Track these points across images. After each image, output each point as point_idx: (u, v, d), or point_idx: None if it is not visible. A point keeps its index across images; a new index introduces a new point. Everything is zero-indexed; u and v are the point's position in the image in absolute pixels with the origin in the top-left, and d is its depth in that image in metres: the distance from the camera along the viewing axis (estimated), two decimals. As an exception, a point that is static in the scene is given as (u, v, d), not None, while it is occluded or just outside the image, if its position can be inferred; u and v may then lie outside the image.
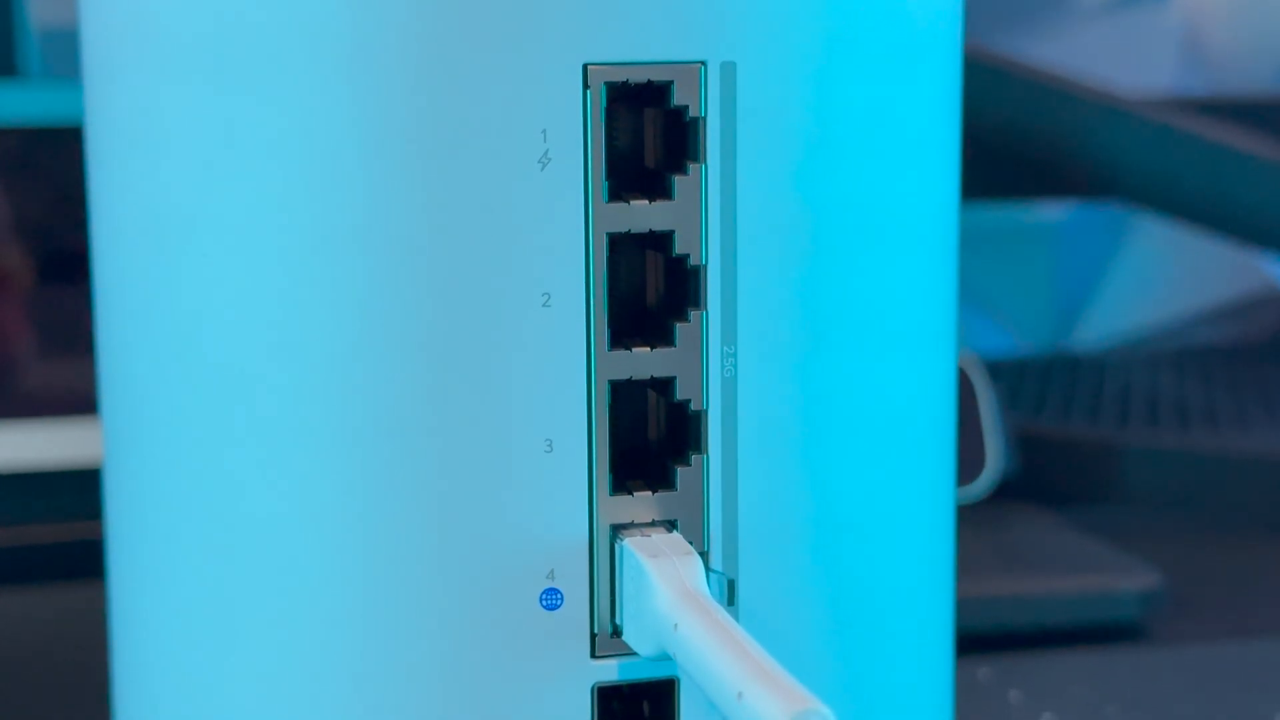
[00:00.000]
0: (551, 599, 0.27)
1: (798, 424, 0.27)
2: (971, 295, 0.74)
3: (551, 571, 0.27)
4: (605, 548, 0.27)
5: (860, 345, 0.28)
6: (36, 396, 0.53)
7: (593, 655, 0.27)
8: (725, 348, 0.27)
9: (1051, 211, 0.77)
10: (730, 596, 0.27)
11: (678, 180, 0.26)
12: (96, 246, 0.30)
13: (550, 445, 0.27)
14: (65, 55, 0.57)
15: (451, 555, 0.26)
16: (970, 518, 0.50)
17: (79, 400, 0.53)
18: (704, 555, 0.27)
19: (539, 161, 0.26)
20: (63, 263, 0.54)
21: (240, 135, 0.27)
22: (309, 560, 0.27)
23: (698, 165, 0.26)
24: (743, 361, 0.27)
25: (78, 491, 0.50)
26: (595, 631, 0.27)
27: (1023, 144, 0.62)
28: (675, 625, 0.25)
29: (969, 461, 0.52)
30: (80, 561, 0.47)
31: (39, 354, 0.54)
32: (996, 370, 0.62)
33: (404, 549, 0.27)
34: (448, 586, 0.27)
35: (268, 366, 0.27)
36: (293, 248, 0.26)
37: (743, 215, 0.27)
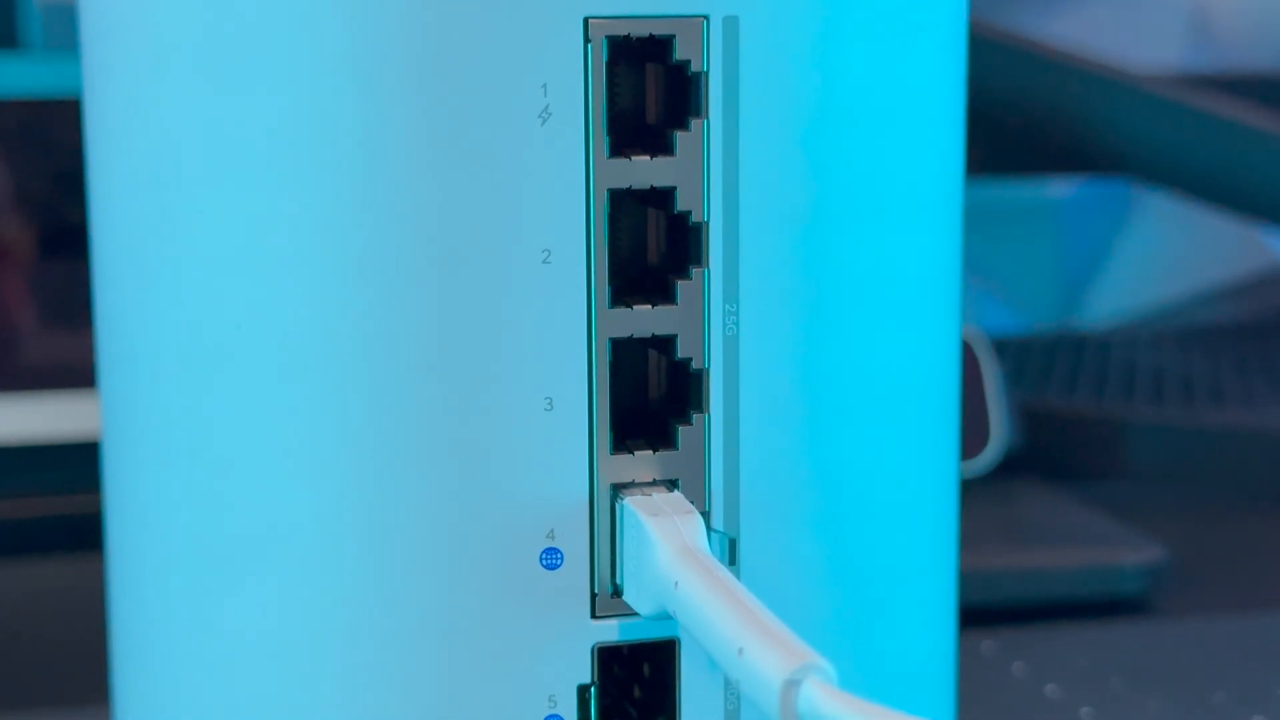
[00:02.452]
0: (551, 559, 0.27)
1: (800, 383, 0.27)
2: (976, 272, 0.74)
3: (551, 531, 0.27)
4: (606, 507, 0.27)
5: (864, 303, 0.28)
6: (37, 369, 0.53)
7: (593, 615, 0.27)
8: (727, 306, 0.27)
9: (1058, 188, 0.77)
10: (731, 556, 0.27)
11: (679, 136, 0.26)
12: (94, 210, 0.30)
13: (550, 404, 0.26)
14: (66, 27, 0.56)
15: (451, 514, 0.26)
16: (974, 492, 0.50)
17: (80, 373, 0.53)
18: (705, 515, 0.27)
19: (539, 116, 0.26)
20: (64, 235, 0.53)
21: (237, 94, 0.26)
22: (307, 522, 0.27)
23: (700, 121, 0.26)
24: (744, 320, 0.27)
25: (79, 464, 0.50)
26: (595, 591, 0.27)
27: (1030, 119, 0.62)
28: (675, 583, 0.25)
29: (973, 435, 0.52)
30: (81, 534, 0.47)
31: (40, 327, 0.54)
32: (1001, 347, 0.62)
33: (403, 508, 0.26)
34: (447, 546, 0.26)
35: (264, 327, 0.27)
36: (290, 204, 0.26)
37: (745, 172, 0.26)
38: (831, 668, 0.23)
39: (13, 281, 0.53)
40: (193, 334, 0.27)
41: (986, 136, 0.57)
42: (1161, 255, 0.77)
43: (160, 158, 0.27)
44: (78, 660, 0.42)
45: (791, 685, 0.23)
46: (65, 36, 0.57)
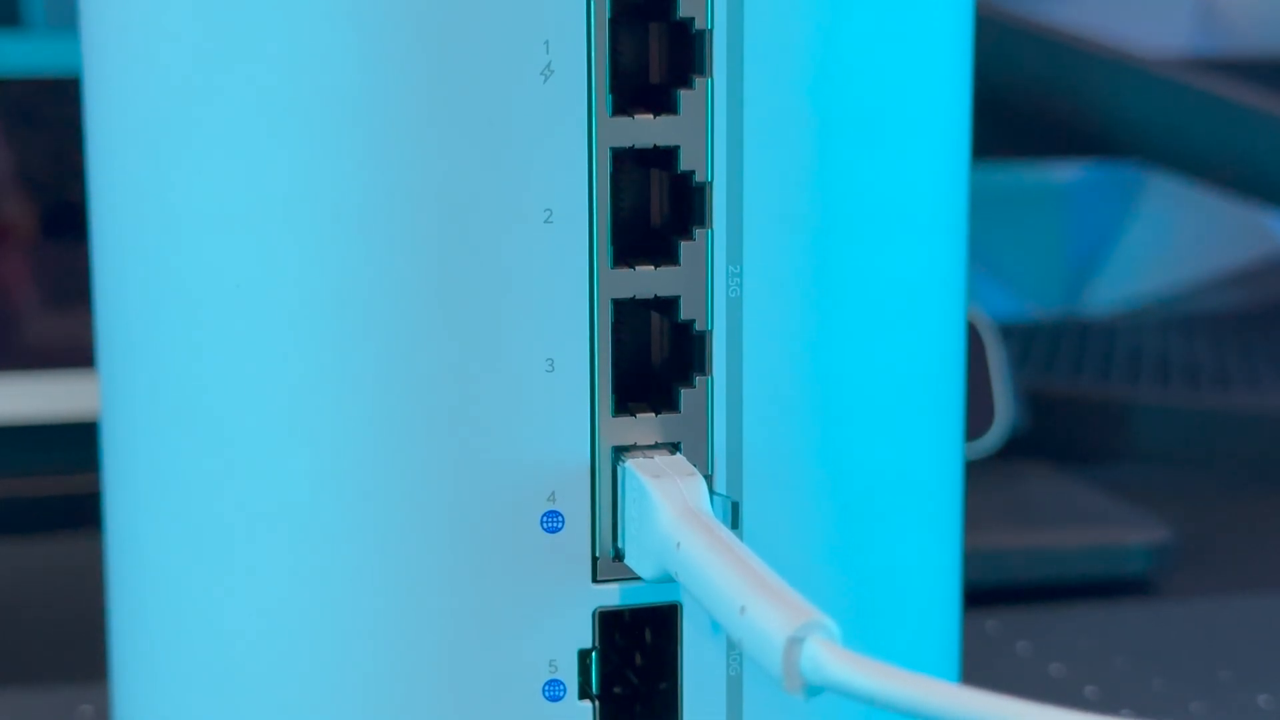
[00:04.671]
0: (552, 522, 0.26)
1: (804, 346, 0.27)
2: (981, 257, 0.74)
3: (552, 494, 0.26)
4: (607, 470, 0.26)
5: (870, 266, 0.27)
6: (38, 349, 0.53)
7: (594, 579, 0.27)
8: (731, 267, 0.26)
9: (1063, 173, 0.77)
10: (734, 519, 0.27)
11: (683, 94, 0.26)
12: (92, 179, 0.30)
13: (551, 365, 0.26)
14: (68, 6, 0.56)
15: (451, 477, 0.26)
16: (979, 473, 0.49)
17: (80, 353, 0.52)
18: (708, 479, 0.27)
19: (541, 74, 0.25)
20: (66, 215, 0.53)
21: (237, 50, 0.26)
22: (307, 487, 0.27)
23: (704, 79, 0.26)
24: (748, 281, 0.27)
25: (79, 444, 0.50)
26: (596, 555, 0.27)
27: (1037, 102, 0.61)
28: (678, 544, 0.25)
29: (977, 416, 0.52)
30: (81, 513, 0.47)
31: (41, 306, 0.53)
32: (1006, 333, 0.61)
33: (402, 470, 0.26)
34: (447, 508, 0.26)
35: (263, 289, 0.26)
36: (289, 164, 0.26)
37: (749, 131, 0.26)
38: (835, 626, 0.22)
39: (14, 261, 0.53)
40: (191, 299, 0.27)
41: (992, 120, 0.57)
42: (1167, 241, 0.77)
43: (158, 119, 0.27)
44: (78, 637, 0.42)
45: (795, 643, 0.22)
46: (67, 15, 0.57)
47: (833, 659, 0.22)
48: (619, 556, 0.27)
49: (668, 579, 0.26)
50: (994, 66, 0.61)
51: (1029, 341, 0.66)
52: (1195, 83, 0.60)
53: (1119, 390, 0.59)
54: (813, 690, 0.22)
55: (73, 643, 0.42)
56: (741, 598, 0.23)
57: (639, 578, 0.26)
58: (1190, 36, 0.77)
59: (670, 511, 0.25)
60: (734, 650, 0.27)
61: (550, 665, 0.27)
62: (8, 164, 0.53)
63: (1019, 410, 0.53)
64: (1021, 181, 0.76)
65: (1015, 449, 0.53)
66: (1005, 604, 0.45)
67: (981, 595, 0.44)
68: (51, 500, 0.51)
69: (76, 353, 0.53)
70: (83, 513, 0.45)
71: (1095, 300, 0.77)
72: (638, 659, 0.28)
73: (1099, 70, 0.61)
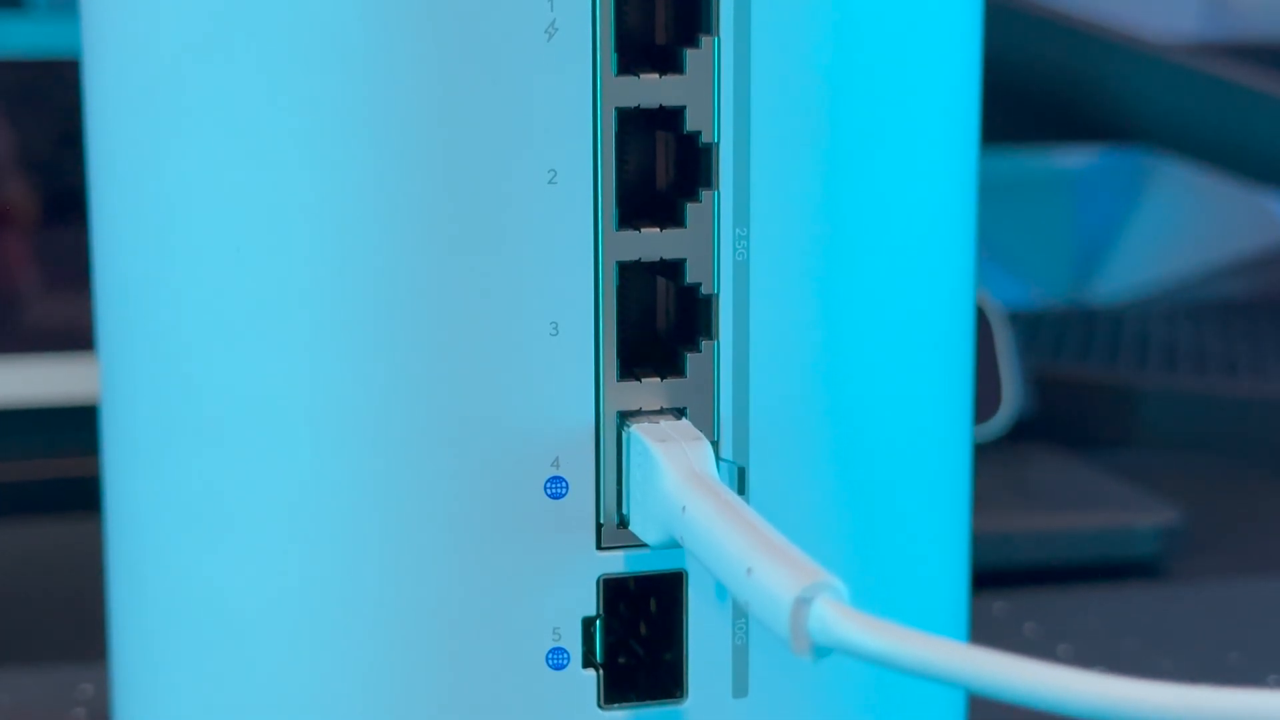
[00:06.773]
0: (556, 488, 0.26)
1: (812, 311, 0.27)
2: (989, 245, 0.74)
3: (557, 459, 0.26)
4: (612, 435, 0.26)
5: (878, 230, 0.27)
6: (39, 332, 0.53)
7: (598, 547, 0.26)
8: (738, 230, 0.26)
9: (1071, 159, 0.76)
10: (741, 485, 0.26)
11: (689, 53, 0.26)
12: (91, 158, 0.29)
13: (556, 328, 0.26)
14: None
15: (453, 441, 0.26)
16: (987, 456, 0.49)
17: (82, 336, 0.52)
18: (714, 444, 0.26)
19: (545, 32, 0.25)
20: (67, 197, 0.53)
21: (237, 21, 0.26)
22: (308, 455, 0.26)
23: (710, 38, 0.26)
24: (755, 244, 0.26)
25: (79, 427, 0.50)
26: (601, 521, 0.26)
27: (1045, 88, 0.61)
28: (683, 508, 0.25)
29: (985, 400, 0.52)
30: (81, 495, 0.47)
31: (42, 289, 0.53)
32: (1013, 319, 0.61)
33: (404, 435, 0.26)
34: (450, 474, 0.26)
35: (265, 258, 0.26)
36: (292, 126, 0.26)
37: (757, 91, 0.26)
38: (843, 586, 0.22)
39: (15, 243, 0.53)
40: (190, 272, 0.27)
41: (1000, 105, 0.57)
42: (1174, 229, 0.77)
43: (158, 98, 0.27)
44: (78, 618, 0.42)
45: (802, 604, 0.22)
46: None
47: (841, 619, 0.22)
48: (624, 523, 0.26)
49: (673, 545, 0.25)
50: (1002, 52, 0.61)
51: (1036, 327, 0.65)
52: (1204, 68, 0.60)
53: (1126, 375, 0.59)
54: (821, 651, 0.22)
55: (73, 623, 0.42)
56: (748, 559, 0.23)
57: (644, 544, 0.26)
58: (1199, 22, 0.77)
59: (676, 476, 0.25)
60: (740, 619, 0.27)
61: (554, 633, 0.26)
62: (9, 146, 0.53)
63: (1026, 394, 0.53)
64: (1029, 168, 0.76)
65: (1023, 433, 0.53)
66: (1013, 586, 0.45)
67: (989, 577, 0.44)
68: (52, 483, 0.51)
69: (77, 335, 0.52)
70: (83, 495, 0.45)
71: (1103, 287, 0.77)
72: (642, 628, 0.27)
73: (1108, 56, 0.61)
